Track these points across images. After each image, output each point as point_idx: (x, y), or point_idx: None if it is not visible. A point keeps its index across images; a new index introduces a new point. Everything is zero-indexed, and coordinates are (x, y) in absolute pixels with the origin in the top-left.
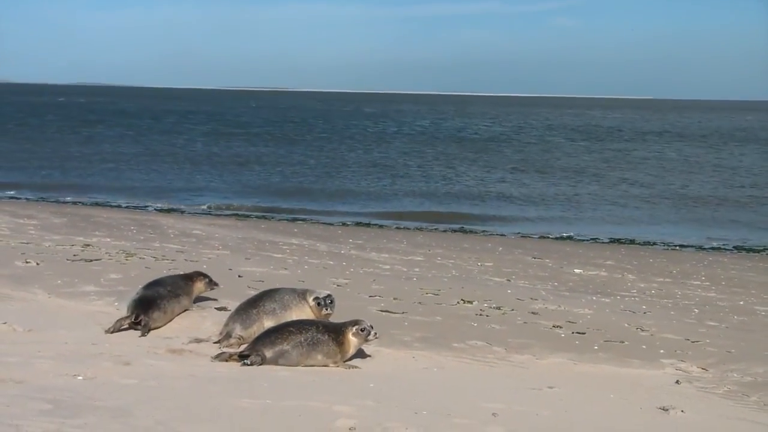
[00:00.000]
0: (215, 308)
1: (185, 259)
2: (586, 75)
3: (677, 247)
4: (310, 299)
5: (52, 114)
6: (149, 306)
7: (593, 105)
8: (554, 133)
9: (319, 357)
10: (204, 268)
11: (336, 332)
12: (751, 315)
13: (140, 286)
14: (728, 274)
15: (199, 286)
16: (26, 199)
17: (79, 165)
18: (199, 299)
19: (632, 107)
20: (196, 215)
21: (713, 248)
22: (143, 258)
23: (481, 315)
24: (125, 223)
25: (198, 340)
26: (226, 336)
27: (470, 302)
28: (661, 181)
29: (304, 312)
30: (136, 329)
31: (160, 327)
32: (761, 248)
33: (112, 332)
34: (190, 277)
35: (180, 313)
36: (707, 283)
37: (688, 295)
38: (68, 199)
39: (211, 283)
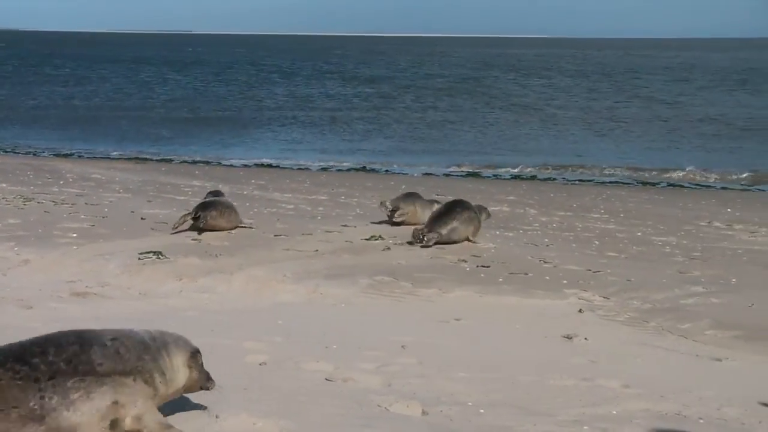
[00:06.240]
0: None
1: (85, 203)
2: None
3: (577, 182)
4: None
5: None
6: (208, 207)
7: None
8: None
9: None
10: (105, 211)
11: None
12: (649, 245)
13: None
14: (626, 206)
15: None
16: None
17: None
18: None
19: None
20: (94, 159)
21: (612, 182)
22: (42, 203)
23: (387, 251)
24: (21, 168)
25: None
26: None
27: (376, 239)
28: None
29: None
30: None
31: (216, 230)
32: (658, 181)
33: (175, 229)
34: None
35: (233, 228)
36: (606, 216)
37: (589, 228)
38: None
39: None
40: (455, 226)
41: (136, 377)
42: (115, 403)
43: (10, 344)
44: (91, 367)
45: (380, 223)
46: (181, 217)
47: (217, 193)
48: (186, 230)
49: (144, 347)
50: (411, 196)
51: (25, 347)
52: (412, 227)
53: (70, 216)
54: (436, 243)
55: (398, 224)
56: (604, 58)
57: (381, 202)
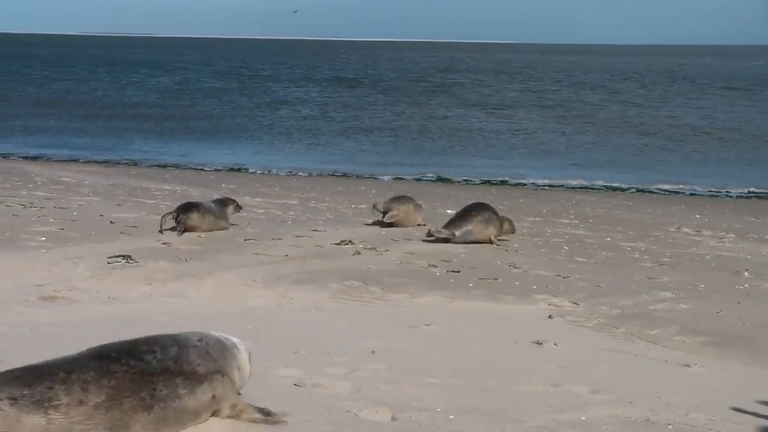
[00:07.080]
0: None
1: (54, 207)
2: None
3: (546, 187)
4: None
5: None
6: (189, 208)
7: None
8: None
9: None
10: (74, 215)
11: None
12: (618, 250)
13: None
14: (595, 212)
15: (230, 209)
16: None
17: None
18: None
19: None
20: (64, 162)
21: (581, 188)
22: (10, 206)
23: (357, 255)
24: None
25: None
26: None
27: (346, 243)
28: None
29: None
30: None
31: (196, 230)
32: (627, 187)
33: (160, 230)
34: (222, 201)
35: (217, 230)
36: (576, 221)
37: (558, 233)
38: None
39: (238, 207)
40: (469, 228)
41: (224, 373)
42: (213, 397)
43: (117, 342)
44: (193, 367)
45: (351, 227)
46: (163, 216)
47: (188, 206)
48: (167, 229)
49: (222, 346)
50: (403, 198)
51: (135, 345)
52: (398, 229)
53: (38, 219)
54: (445, 240)
55: (390, 225)
56: (569, 64)
57: (374, 205)
